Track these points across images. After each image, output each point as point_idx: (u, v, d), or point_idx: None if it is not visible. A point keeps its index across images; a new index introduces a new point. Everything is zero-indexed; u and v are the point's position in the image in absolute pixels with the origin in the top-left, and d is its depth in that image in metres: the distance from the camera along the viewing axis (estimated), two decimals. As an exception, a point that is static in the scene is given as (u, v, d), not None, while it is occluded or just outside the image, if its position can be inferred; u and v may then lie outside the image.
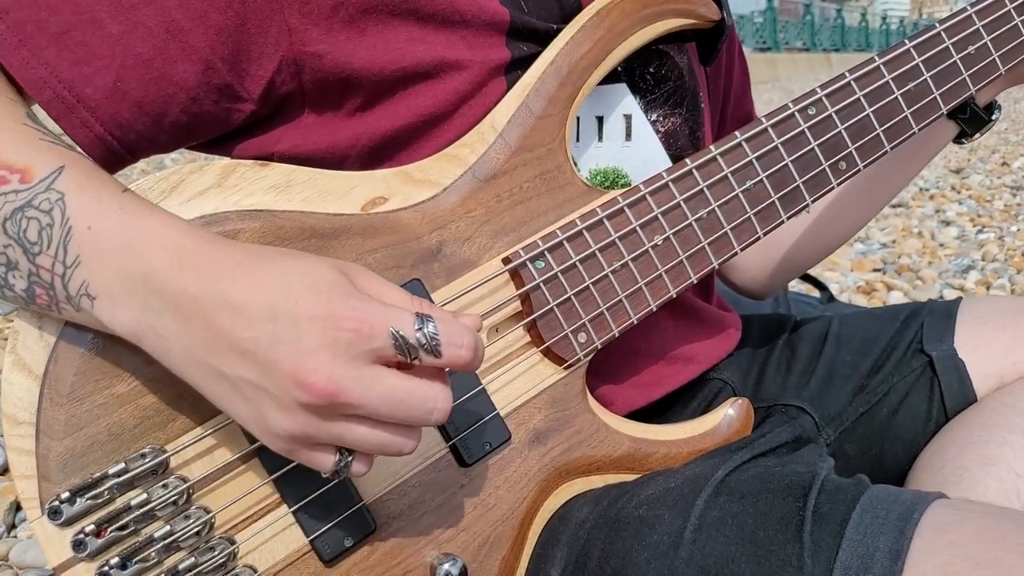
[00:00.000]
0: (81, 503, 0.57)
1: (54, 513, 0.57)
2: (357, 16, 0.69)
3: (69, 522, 0.57)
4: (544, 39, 0.75)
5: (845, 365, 0.96)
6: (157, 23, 0.64)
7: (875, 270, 3.02)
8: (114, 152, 0.67)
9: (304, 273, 0.53)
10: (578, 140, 0.80)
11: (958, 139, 0.97)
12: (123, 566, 0.58)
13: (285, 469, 0.61)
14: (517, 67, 0.74)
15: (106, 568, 0.57)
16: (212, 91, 0.68)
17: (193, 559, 0.59)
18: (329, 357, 0.50)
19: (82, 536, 0.57)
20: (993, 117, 0.94)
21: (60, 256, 0.55)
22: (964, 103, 0.89)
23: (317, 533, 0.61)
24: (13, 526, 1.49)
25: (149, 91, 0.65)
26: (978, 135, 0.95)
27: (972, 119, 0.93)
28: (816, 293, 1.83)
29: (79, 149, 0.60)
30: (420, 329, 0.52)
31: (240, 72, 0.68)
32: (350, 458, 0.54)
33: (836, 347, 0.98)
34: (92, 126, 0.65)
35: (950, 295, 2.66)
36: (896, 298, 2.65)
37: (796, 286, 1.86)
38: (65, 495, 0.57)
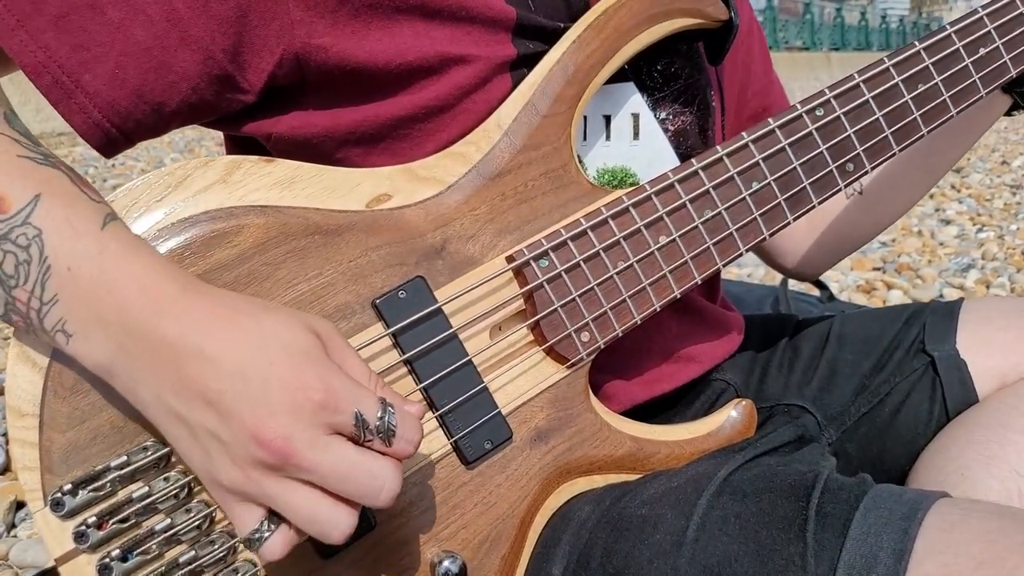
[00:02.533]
0: (83, 495, 0.57)
1: (56, 505, 0.57)
2: (363, 10, 0.68)
3: (71, 514, 0.57)
4: (551, 37, 0.75)
5: (847, 365, 0.96)
6: (157, 11, 0.64)
7: (875, 269, 3.02)
8: (111, 138, 0.66)
9: (280, 335, 0.53)
10: (585, 139, 0.80)
11: (1009, 112, 0.98)
12: (124, 558, 0.58)
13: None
14: (523, 64, 0.74)
15: (107, 560, 0.57)
16: (212, 81, 0.67)
17: (194, 552, 0.59)
18: (291, 420, 0.51)
19: (84, 528, 0.57)
20: None
21: (37, 293, 0.54)
22: (1020, 76, 0.88)
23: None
24: (13, 525, 1.49)
25: (148, 79, 0.65)
26: None
27: None
28: (816, 292, 1.83)
29: (58, 163, 0.58)
30: (382, 417, 0.53)
31: (241, 63, 0.68)
32: (270, 532, 0.53)
33: (838, 347, 0.98)
34: (90, 112, 0.64)
35: (950, 294, 2.66)
36: (896, 297, 2.65)
37: (796, 285, 1.86)
38: (67, 487, 0.57)
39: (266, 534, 0.53)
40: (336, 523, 0.53)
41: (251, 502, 0.53)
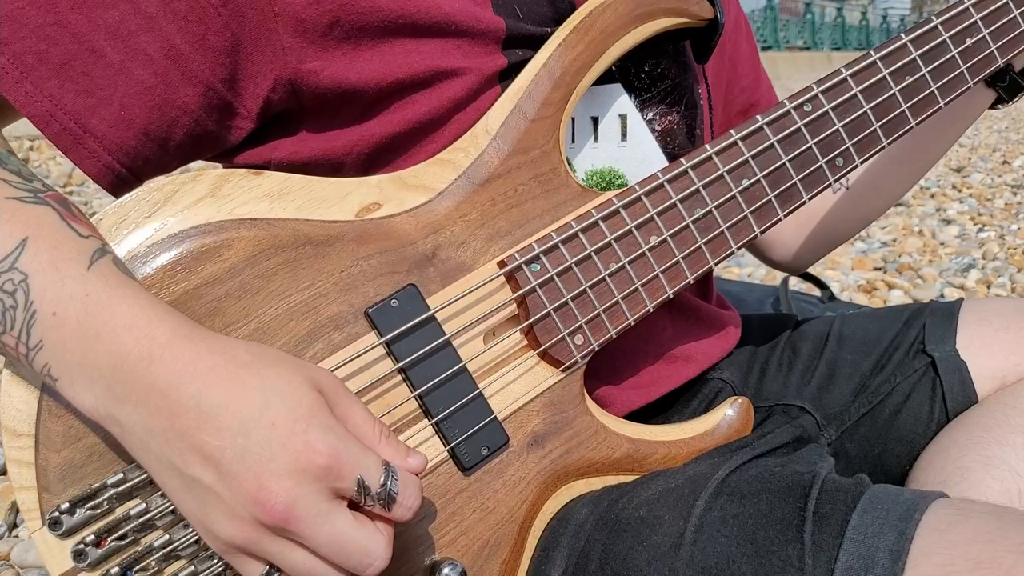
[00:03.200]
0: (81, 513, 0.57)
1: (54, 524, 0.57)
2: (353, 33, 0.69)
3: (69, 532, 0.57)
4: (539, 43, 0.75)
5: (847, 364, 0.96)
6: (157, 49, 0.64)
7: (876, 269, 3.02)
8: (122, 179, 0.67)
9: (282, 391, 0.52)
10: (573, 141, 0.80)
11: (994, 105, 0.98)
12: (123, 575, 0.58)
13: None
14: (513, 72, 0.74)
15: (106, 578, 0.57)
16: (213, 112, 0.68)
17: (192, 568, 0.59)
18: (294, 484, 0.51)
19: (82, 546, 0.57)
20: None
21: (23, 339, 0.54)
22: (1002, 70, 0.89)
23: None
24: (14, 526, 1.49)
25: (153, 117, 0.65)
26: (1014, 101, 0.96)
27: (1011, 86, 0.94)
28: (817, 292, 1.83)
29: (49, 201, 0.57)
30: (384, 484, 0.53)
31: (238, 91, 0.68)
32: (278, 573, 0.54)
33: (838, 346, 0.98)
34: (100, 156, 0.65)
35: (951, 294, 2.65)
36: (897, 297, 2.64)
37: (797, 285, 1.86)
38: (65, 506, 0.57)
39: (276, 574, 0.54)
40: None
41: (251, 555, 0.53)
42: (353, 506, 0.54)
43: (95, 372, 0.53)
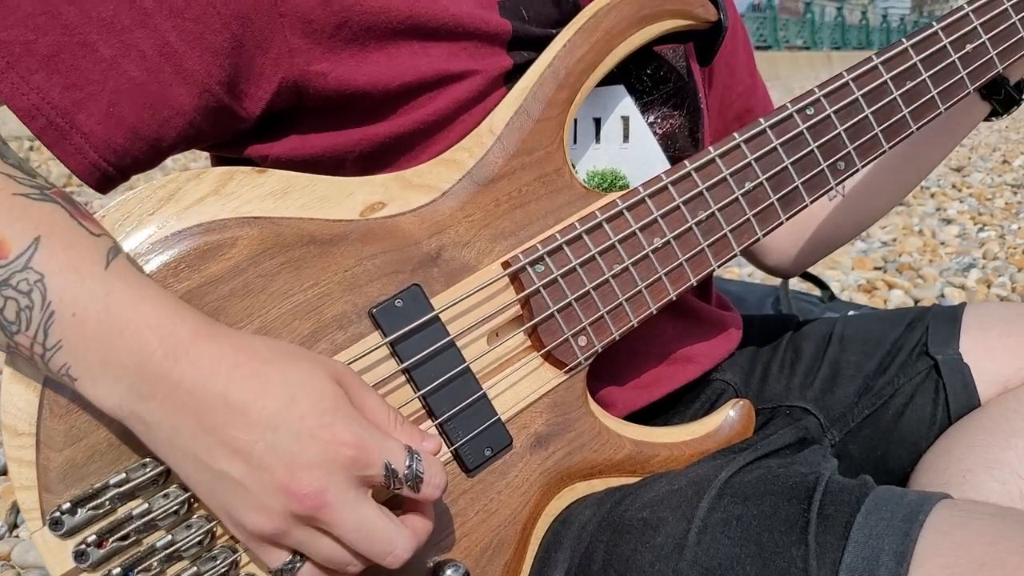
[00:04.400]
0: (82, 514, 0.57)
1: (55, 524, 0.56)
2: (360, 35, 0.68)
3: (70, 533, 0.57)
4: (544, 45, 0.75)
5: (850, 366, 0.96)
6: (150, 46, 0.63)
7: (876, 268, 3.02)
8: (108, 176, 0.65)
9: (306, 386, 0.53)
10: (575, 142, 0.80)
11: (988, 117, 0.98)
12: (125, 576, 0.58)
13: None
14: (518, 74, 0.74)
15: (108, 578, 0.57)
16: (210, 113, 0.66)
17: (195, 568, 0.59)
18: (324, 473, 0.52)
19: (84, 547, 0.57)
20: None
21: (40, 339, 0.53)
22: (997, 83, 0.90)
23: None
24: (15, 526, 1.49)
25: (144, 116, 0.64)
26: (1008, 114, 0.97)
27: (1006, 99, 0.94)
28: (817, 292, 1.83)
29: (56, 198, 0.56)
30: (410, 466, 0.55)
31: (238, 94, 0.67)
32: (299, 565, 0.56)
33: (840, 348, 0.98)
34: (86, 153, 0.63)
35: (951, 293, 2.65)
36: (897, 296, 2.64)
37: (797, 285, 1.86)
38: (66, 506, 0.57)
39: (298, 564, 0.55)
40: (351, 568, 0.55)
41: (276, 544, 0.55)
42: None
43: (119, 371, 0.53)
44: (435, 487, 0.56)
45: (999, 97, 0.94)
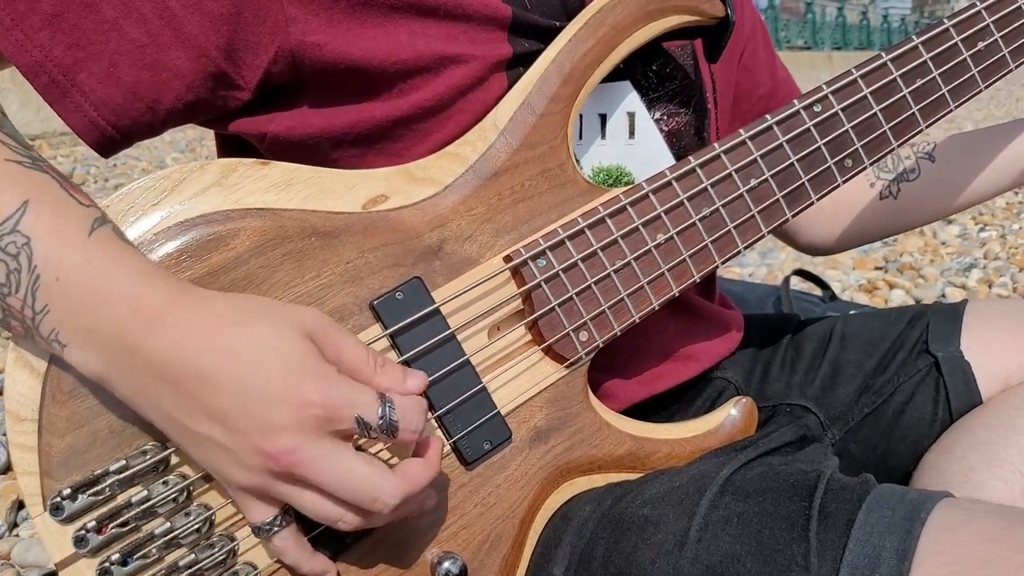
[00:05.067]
0: (83, 499, 0.57)
1: (56, 509, 0.57)
2: (358, 8, 0.68)
3: (71, 518, 0.57)
4: (547, 36, 0.75)
5: (850, 364, 0.96)
6: (151, 9, 0.64)
7: (877, 268, 3.02)
8: (108, 136, 0.66)
9: (273, 347, 0.54)
10: (581, 137, 0.80)
11: None
12: (124, 562, 0.58)
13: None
14: (519, 63, 0.74)
15: (107, 564, 0.57)
16: (208, 79, 0.67)
17: (193, 556, 0.59)
18: (296, 434, 0.53)
19: (83, 532, 0.57)
20: None
21: (29, 302, 0.54)
22: None
23: (316, 531, 0.61)
24: (15, 525, 1.49)
25: (143, 77, 0.65)
26: None
27: None
28: (818, 291, 1.83)
29: (47, 167, 0.58)
30: (383, 416, 0.55)
31: (236, 61, 0.68)
32: (280, 527, 0.57)
33: (841, 346, 0.98)
34: (86, 111, 0.64)
35: (952, 293, 2.65)
36: (898, 296, 2.64)
37: (798, 284, 1.86)
38: (67, 491, 0.57)
39: (276, 528, 0.57)
40: (342, 515, 0.56)
41: (264, 499, 0.56)
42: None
43: (102, 340, 0.54)
44: (411, 432, 0.56)
45: None
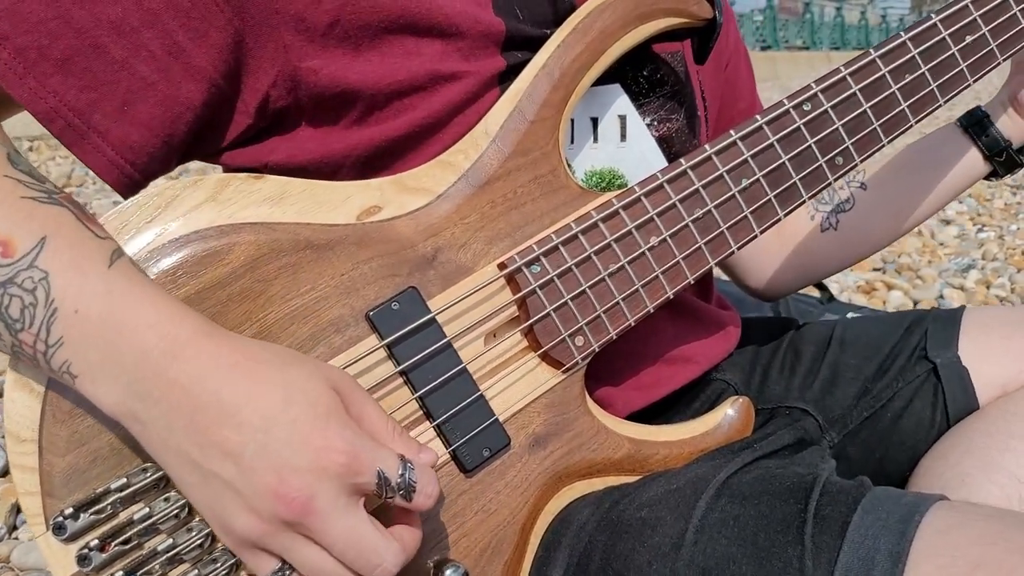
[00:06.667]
0: (85, 518, 0.57)
1: (58, 529, 0.57)
2: (353, 32, 0.69)
3: (73, 537, 0.57)
4: (539, 45, 0.75)
5: (849, 368, 0.96)
6: (159, 45, 0.65)
7: (875, 269, 3.01)
8: (127, 175, 0.67)
9: (303, 389, 0.53)
10: (573, 142, 0.81)
11: (988, 177, 1.01)
12: (126, 580, 0.58)
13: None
14: (512, 75, 0.74)
15: (110, 582, 0.57)
16: (214, 107, 0.68)
17: (196, 571, 0.59)
18: (314, 479, 0.52)
19: (86, 551, 0.57)
20: None
21: (43, 336, 0.54)
22: (1001, 148, 0.95)
23: None
24: (14, 528, 1.49)
25: (156, 113, 0.65)
26: (1011, 174, 1.00)
27: (1007, 161, 0.97)
28: (816, 293, 1.83)
29: (64, 202, 0.58)
30: (403, 475, 0.54)
31: (238, 85, 0.69)
32: (289, 573, 0.55)
33: (840, 350, 0.98)
34: (104, 151, 0.65)
35: (950, 294, 2.65)
36: (896, 297, 2.64)
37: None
38: (69, 511, 0.57)
39: (288, 573, 0.55)
40: None
41: (259, 551, 0.54)
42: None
43: (118, 368, 0.53)
44: (427, 496, 0.56)
45: (1001, 159, 0.97)
